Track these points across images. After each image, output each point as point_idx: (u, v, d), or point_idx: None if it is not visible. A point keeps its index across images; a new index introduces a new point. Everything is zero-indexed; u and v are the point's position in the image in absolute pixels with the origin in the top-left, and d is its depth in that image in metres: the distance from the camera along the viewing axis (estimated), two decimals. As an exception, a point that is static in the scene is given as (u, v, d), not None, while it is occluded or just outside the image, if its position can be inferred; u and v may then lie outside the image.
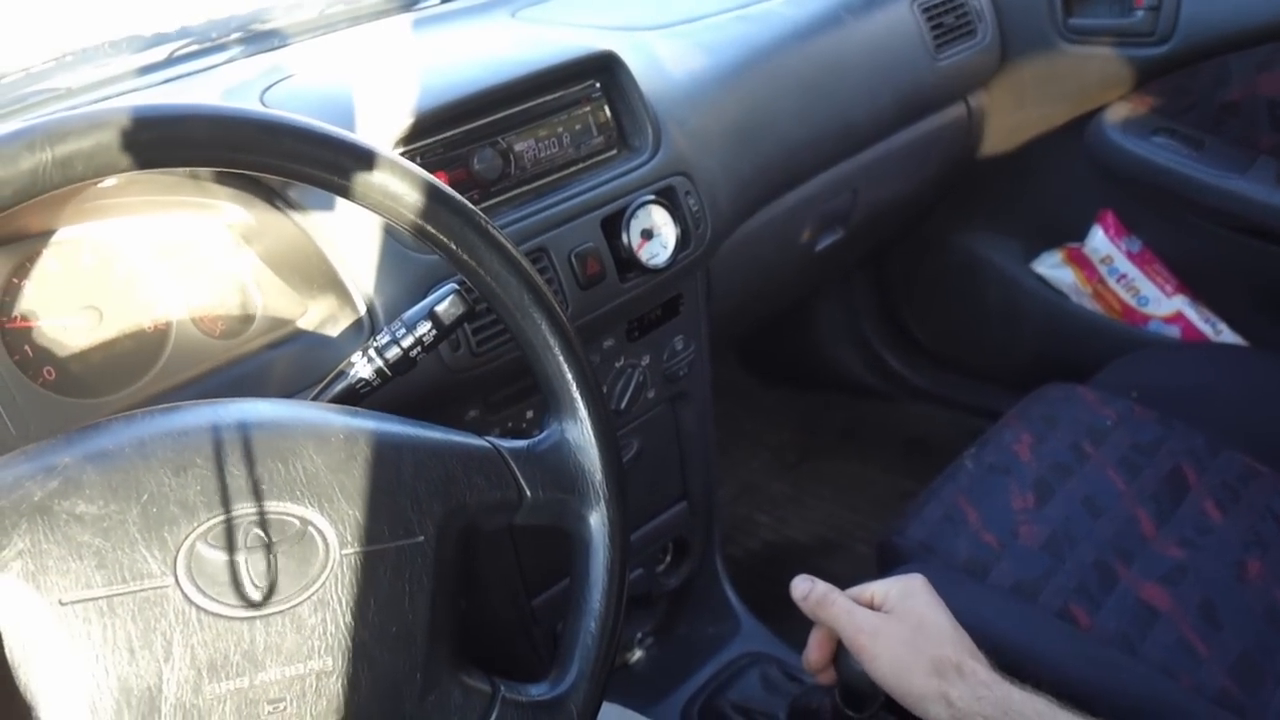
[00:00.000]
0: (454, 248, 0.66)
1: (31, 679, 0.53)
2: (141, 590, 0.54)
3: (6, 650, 0.53)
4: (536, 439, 0.70)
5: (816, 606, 0.82)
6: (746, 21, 1.35)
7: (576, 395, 0.70)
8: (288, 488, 0.58)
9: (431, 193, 0.65)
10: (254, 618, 0.56)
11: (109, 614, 0.53)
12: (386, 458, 0.62)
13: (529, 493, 0.68)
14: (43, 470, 0.55)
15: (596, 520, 0.70)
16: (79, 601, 0.53)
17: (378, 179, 0.63)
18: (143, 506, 0.55)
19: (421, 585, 0.62)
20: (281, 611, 0.57)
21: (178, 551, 0.55)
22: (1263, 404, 1.38)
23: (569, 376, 0.70)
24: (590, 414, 0.70)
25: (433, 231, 0.66)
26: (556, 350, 0.69)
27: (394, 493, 0.62)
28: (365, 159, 0.63)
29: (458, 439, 0.67)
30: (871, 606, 0.82)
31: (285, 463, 0.59)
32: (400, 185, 0.64)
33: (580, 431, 0.70)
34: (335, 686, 0.58)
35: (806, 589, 0.84)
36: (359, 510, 0.60)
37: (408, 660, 0.61)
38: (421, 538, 0.62)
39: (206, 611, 0.55)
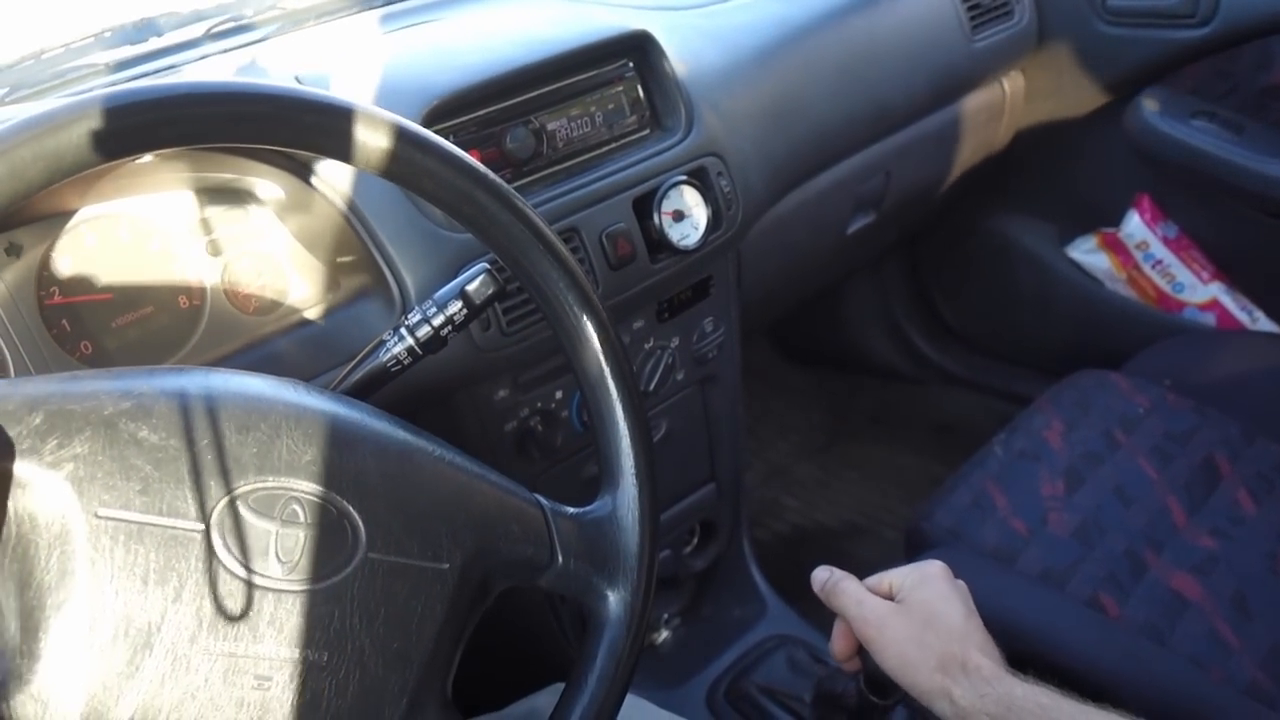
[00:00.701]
0: (555, 308, 0.69)
1: (46, 578, 0.54)
2: (173, 528, 0.55)
3: (31, 543, 0.54)
4: (585, 509, 0.70)
5: (830, 594, 0.82)
6: (781, 2, 1.34)
7: (634, 477, 0.71)
8: (336, 478, 0.59)
9: (544, 244, 0.69)
10: (267, 590, 0.57)
11: (136, 540, 0.54)
12: (434, 480, 0.63)
13: (560, 559, 0.67)
14: (120, 391, 0.56)
15: (616, 601, 0.70)
16: (112, 519, 0.54)
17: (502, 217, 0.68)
18: (200, 450, 0.56)
19: (432, 613, 0.62)
20: (295, 592, 0.57)
21: (218, 503, 0.56)
22: (1299, 393, 1.36)
23: (633, 458, 0.71)
24: (642, 498, 0.71)
25: (536, 285, 0.69)
26: (624, 429, 0.70)
27: (433, 515, 0.62)
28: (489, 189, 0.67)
29: (509, 486, 0.67)
30: (889, 594, 0.82)
31: (341, 455, 0.60)
32: (530, 242, 0.68)
33: (629, 512, 0.70)
34: (322, 683, 0.58)
35: (825, 577, 0.84)
36: (396, 520, 0.61)
37: (399, 681, 0.61)
38: (446, 566, 0.62)
39: (226, 568, 0.56)
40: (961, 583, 0.82)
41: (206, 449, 0.56)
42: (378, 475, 0.61)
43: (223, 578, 0.56)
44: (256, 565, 0.57)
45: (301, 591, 0.58)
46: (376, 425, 0.63)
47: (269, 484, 0.57)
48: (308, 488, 0.58)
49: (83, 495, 0.54)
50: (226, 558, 0.56)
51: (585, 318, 0.70)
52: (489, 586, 0.65)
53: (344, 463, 0.60)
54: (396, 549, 0.60)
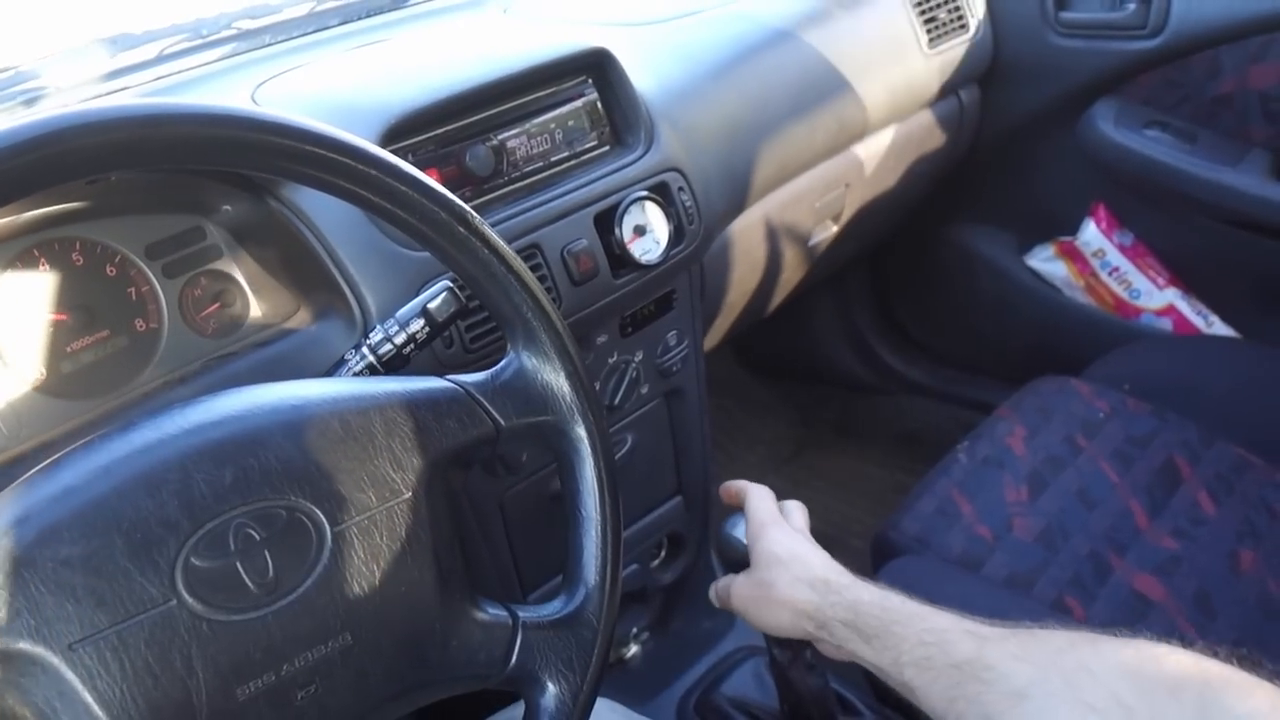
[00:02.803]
0: (370, 196, 0.63)
1: None
2: (147, 616, 0.54)
3: (29, 707, 0.52)
4: (497, 369, 0.70)
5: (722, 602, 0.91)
6: (740, 17, 1.35)
7: (529, 316, 0.69)
8: (265, 480, 0.58)
9: (333, 146, 0.60)
10: (265, 614, 0.56)
11: (122, 647, 0.53)
12: (355, 425, 0.62)
13: (503, 422, 0.67)
14: (15, 523, 0.54)
15: (575, 433, 0.70)
16: (88, 640, 0.52)
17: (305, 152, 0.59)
18: (125, 535, 0.54)
19: (419, 539, 0.62)
20: (290, 601, 0.57)
21: (173, 570, 0.55)
22: (1255, 395, 1.38)
23: (515, 300, 0.68)
24: (545, 333, 0.69)
25: (345, 186, 0.62)
26: (498, 276, 0.68)
27: (371, 458, 0.61)
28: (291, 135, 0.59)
29: (420, 386, 0.66)
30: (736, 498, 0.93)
31: (256, 456, 0.58)
32: (308, 148, 0.60)
33: (538, 352, 0.70)
34: (360, 658, 0.59)
35: (713, 594, 0.93)
36: (341, 485, 0.60)
37: (423, 615, 0.62)
38: (409, 494, 0.62)
39: (216, 620, 0.55)
40: (797, 512, 0.90)
41: (132, 530, 0.54)
42: (300, 455, 0.59)
43: (219, 629, 0.55)
44: (241, 600, 0.56)
45: (295, 598, 0.57)
46: (268, 402, 0.61)
47: (208, 526, 0.56)
48: (245, 508, 0.57)
49: (46, 640, 0.52)
50: (210, 611, 0.55)
51: (545, 335, 0.69)
52: (457, 479, 0.66)
53: (264, 463, 0.58)
54: (357, 509, 0.60)
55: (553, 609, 0.69)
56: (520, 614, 0.67)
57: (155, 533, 0.55)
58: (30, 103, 0.99)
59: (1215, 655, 0.60)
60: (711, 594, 0.93)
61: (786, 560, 0.83)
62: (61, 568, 0.53)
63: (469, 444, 0.66)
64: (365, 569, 0.60)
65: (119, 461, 0.57)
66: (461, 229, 0.65)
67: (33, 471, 0.57)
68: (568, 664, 0.68)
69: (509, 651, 0.66)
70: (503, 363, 0.70)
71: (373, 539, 0.60)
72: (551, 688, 0.67)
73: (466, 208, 0.66)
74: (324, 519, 0.59)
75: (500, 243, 0.67)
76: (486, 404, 0.67)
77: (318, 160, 0.60)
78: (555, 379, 0.69)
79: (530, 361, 0.70)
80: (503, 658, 0.66)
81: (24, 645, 0.52)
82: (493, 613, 0.66)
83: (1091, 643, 0.64)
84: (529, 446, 0.70)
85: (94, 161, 0.53)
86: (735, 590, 0.87)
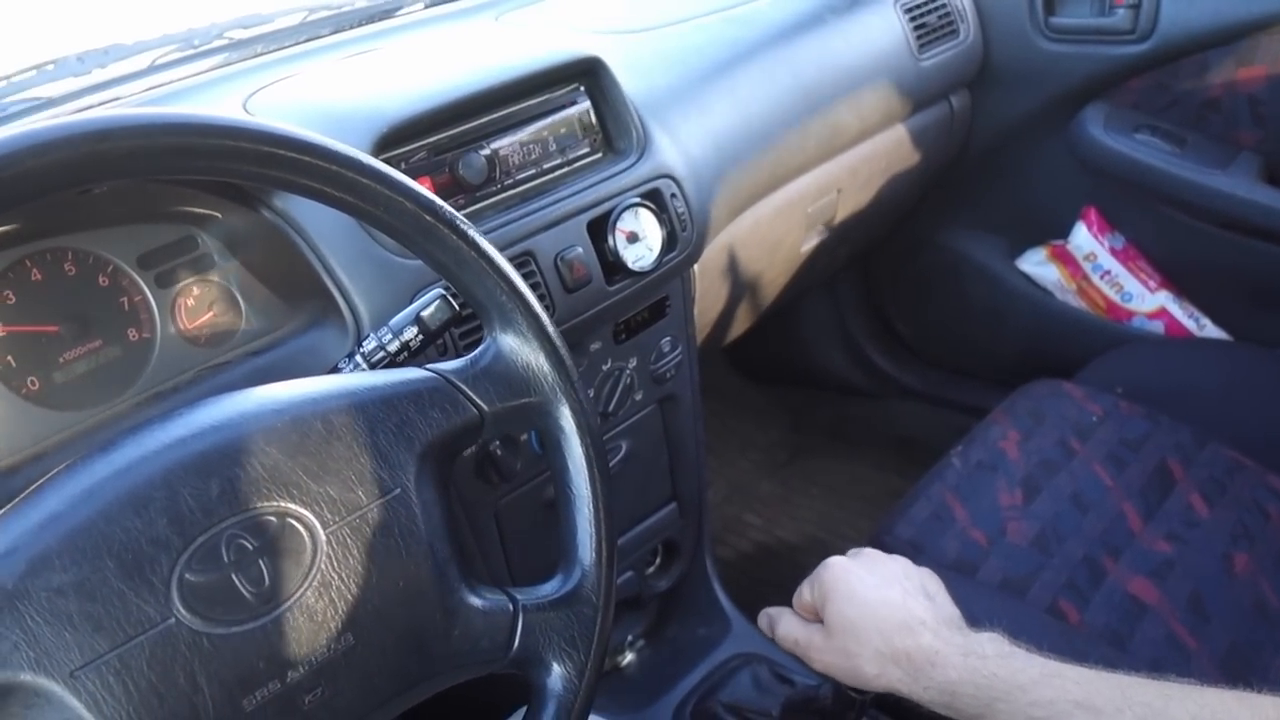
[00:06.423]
0: (333, 191, 0.63)
1: None
2: (147, 636, 0.53)
3: None
4: (475, 354, 0.70)
5: (776, 639, 0.86)
6: (732, 23, 1.35)
7: (503, 299, 0.69)
8: (253, 489, 0.58)
9: (291, 145, 0.60)
10: (265, 622, 0.56)
11: (124, 670, 0.53)
12: (338, 424, 0.62)
13: (486, 407, 0.67)
14: (3, 556, 0.53)
15: (560, 413, 0.70)
16: (89, 667, 0.52)
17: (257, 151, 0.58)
18: (117, 557, 0.54)
19: (413, 534, 0.62)
20: (289, 608, 0.57)
21: (168, 587, 0.55)
22: (1247, 397, 1.39)
23: (488, 284, 0.68)
24: (522, 315, 0.69)
25: (306, 183, 0.62)
26: (469, 261, 0.67)
27: (358, 456, 0.61)
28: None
29: (400, 378, 0.66)
30: (812, 607, 0.84)
31: (242, 465, 0.58)
32: (265, 149, 0.59)
33: (516, 335, 0.69)
34: (364, 657, 0.59)
35: (766, 623, 0.88)
36: (330, 486, 0.60)
37: (422, 608, 0.62)
38: (398, 489, 0.62)
39: (216, 634, 0.55)
40: (871, 556, 0.84)
41: (122, 551, 0.54)
42: (286, 459, 0.59)
43: (220, 643, 0.55)
44: (239, 612, 0.56)
45: (293, 604, 0.57)
46: (248, 409, 0.61)
47: (199, 540, 0.56)
48: (235, 518, 0.57)
49: (47, 670, 0.52)
50: (209, 626, 0.55)
51: (522, 317, 0.69)
52: (446, 468, 0.66)
53: (250, 471, 0.58)
54: (348, 509, 0.60)
55: (551, 589, 0.69)
56: (519, 597, 0.67)
57: (147, 552, 0.54)
58: (23, 115, 0.99)
59: None
60: (763, 623, 0.88)
61: (863, 628, 0.78)
62: (55, 596, 0.52)
63: (454, 432, 0.66)
64: (361, 568, 0.60)
65: (102, 483, 0.56)
66: (428, 217, 0.65)
67: (15, 502, 0.57)
68: (570, 643, 0.68)
69: (511, 636, 0.66)
70: (481, 348, 0.70)
71: (366, 537, 0.60)
72: (557, 668, 0.68)
73: (433, 196, 0.66)
74: (315, 521, 0.59)
75: (469, 228, 0.67)
76: (468, 390, 0.67)
77: (279, 161, 0.59)
78: (535, 359, 0.69)
79: (508, 344, 0.69)
80: (505, 643, 0.66)
81: (25, 677, 0.51)
82: (492, 598, 0.66)
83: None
84: (514, 429, 0.70)
85: (48, 181, 0.52)
86: (816, 655, 0.82)
